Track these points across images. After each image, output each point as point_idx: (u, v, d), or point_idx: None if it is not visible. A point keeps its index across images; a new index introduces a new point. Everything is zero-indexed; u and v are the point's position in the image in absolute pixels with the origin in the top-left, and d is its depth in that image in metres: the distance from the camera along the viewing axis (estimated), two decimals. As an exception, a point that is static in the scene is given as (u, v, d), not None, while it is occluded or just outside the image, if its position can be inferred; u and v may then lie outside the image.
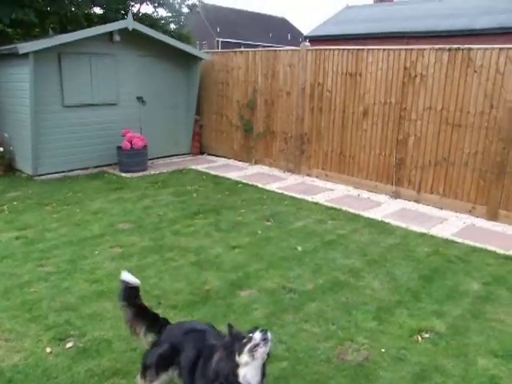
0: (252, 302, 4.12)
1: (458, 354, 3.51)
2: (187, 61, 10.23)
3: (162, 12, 15.85)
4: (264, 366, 2.38)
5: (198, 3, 16.64)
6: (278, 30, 54.38)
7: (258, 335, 2.28)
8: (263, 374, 2.37)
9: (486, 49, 6.40)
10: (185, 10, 15.94)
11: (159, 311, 3.89)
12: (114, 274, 4.62)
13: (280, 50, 9.21)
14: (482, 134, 6.58)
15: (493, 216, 6.61)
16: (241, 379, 2.29)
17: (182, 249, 5.34)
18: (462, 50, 6.61)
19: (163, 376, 2.72)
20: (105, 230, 5.90)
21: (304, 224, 6.31)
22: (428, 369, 3.32)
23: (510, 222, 6.45)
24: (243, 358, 2.28)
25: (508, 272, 4.95)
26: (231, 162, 10.35)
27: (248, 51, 9.78)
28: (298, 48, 8.81)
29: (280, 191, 7.93)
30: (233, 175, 8.99)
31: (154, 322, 2.84)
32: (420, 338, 3.70)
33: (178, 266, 4.90)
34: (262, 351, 2.27)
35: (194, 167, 9.64)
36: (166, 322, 2.91)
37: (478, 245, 5.68)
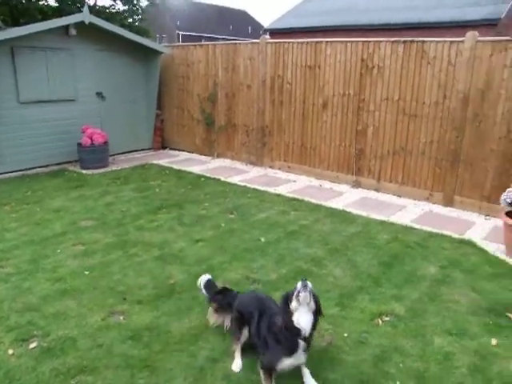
0: (217, 294, 4.15)
1: (416, 334, 3.67)
2: (146, 54, 10.11)
3: (120, 5, 15.53)
4: (315, 318, 2.98)
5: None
6: (239, 23, 54.21)
7: (298, 284, 2.91)
8: (314, 326, 2.98)
9: (438, 41, 6.62)
10: (143, 3, 15.73)
11: (124, 307, 3.93)
12: (77, 272, 4.58)
13: (240, 43, 9.21)
14: (436, 124, 6.81)
15: (448, 202, 6.88)
16: (295, 323, 2.91)
17: (146, 244, 5.32)
18: (417, 42, 6.80)
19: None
20: (67, 228, 5.80)
21: (267, 215, 6.38)
22: (388, 350, 3.46)
23: (465, 207, 6.73)
24: (293, 304, 2.92)
25: (462, 255, 5.17)
26: (194, 155, 10.33)
27: (208, 44, 9.74)
28: (257, 41, 8.84)
29: (243, 184, 7.98)
30: (195, 169, 8.98)
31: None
32: (380, 322, 3.83)
33: (142, 261, 4.88)
34: (303, 295, 2.86)
35: (156, 162, 9.56)
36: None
37: (435, 230, 5.91)
